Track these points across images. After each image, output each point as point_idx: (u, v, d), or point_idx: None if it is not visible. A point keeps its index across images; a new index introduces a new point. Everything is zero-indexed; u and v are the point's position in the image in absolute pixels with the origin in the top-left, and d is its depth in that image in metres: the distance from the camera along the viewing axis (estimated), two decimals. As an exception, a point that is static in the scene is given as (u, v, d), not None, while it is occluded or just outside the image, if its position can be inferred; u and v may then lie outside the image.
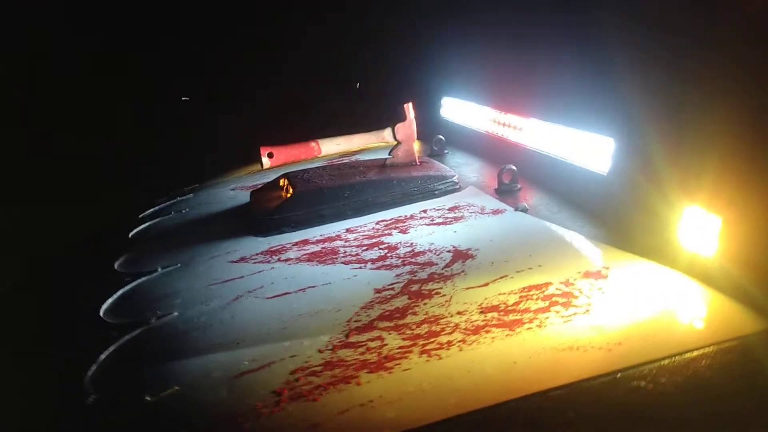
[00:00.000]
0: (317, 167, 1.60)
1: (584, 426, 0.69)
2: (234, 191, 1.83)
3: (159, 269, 1.23)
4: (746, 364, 0.79)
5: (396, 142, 1.53)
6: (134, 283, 1.20)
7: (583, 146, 1.26)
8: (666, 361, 0.76)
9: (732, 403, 0.74)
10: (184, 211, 1.67)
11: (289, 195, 1.37)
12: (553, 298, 0.90)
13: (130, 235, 1.56)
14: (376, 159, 1.61)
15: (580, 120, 1.31)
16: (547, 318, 0.85)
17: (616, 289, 0.91)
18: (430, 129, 1.99)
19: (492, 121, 1.74)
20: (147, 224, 1.63)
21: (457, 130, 2.00)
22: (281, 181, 1.54)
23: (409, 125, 1.51)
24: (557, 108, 1.43)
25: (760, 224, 0.87)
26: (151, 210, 1.78)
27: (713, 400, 0.73)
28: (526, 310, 0.88)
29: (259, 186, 1.67)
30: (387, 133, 1.52)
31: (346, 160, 1.83)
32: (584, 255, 1.04)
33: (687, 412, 0.72)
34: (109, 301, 1.15)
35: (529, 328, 0.83)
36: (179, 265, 1.24)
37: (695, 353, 0.77)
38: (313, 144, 1.44)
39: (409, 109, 1.54)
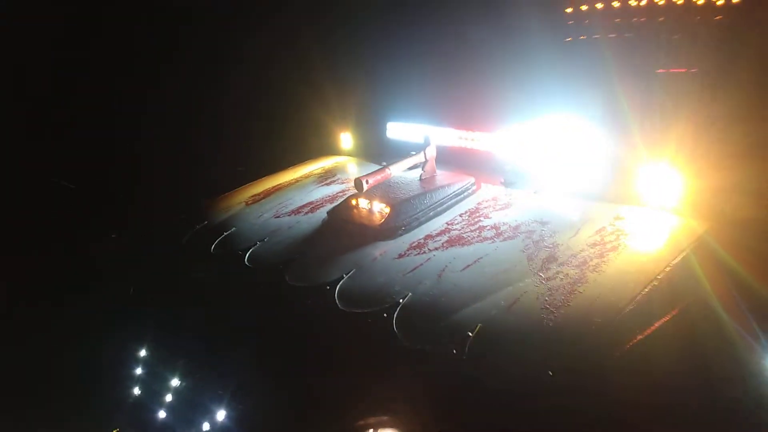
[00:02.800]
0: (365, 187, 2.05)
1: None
2: (278, 218, 2.14)
3: (344, 276, 1.62)
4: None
5: (424, 161, 2.12)
6: (338, 288, 1.55)
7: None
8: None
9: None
10: (265, 240, 1.96)
11: (389, 208, 1.87)
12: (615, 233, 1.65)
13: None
14: (404, 176, 2.14)
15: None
16: (620, 242, 1.59)
17: (636, 224, 1.69)
18: (378, 148, 2.59)
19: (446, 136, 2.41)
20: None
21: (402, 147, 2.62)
22: (352, 200, 2.00)
23: (433, 148, 2.13)
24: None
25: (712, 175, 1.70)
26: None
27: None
28: (609, 242, 1.61)
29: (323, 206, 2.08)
30: (421, 155, 2.10)
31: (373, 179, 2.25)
32: (607, 208, 1.74)
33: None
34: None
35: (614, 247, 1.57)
36: (354, 270, 1.66)
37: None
38: (387, 169, 1.96)
39: (431, 137, 2.14)
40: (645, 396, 1.19)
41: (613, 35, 2.66)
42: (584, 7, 2.94)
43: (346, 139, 2.73)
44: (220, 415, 1.41)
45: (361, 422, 1.25)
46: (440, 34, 2.76)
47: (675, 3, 2.56)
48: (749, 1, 2.11)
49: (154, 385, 1.63)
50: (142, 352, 1.71)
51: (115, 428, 1.86)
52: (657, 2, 2.70)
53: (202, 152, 3.32)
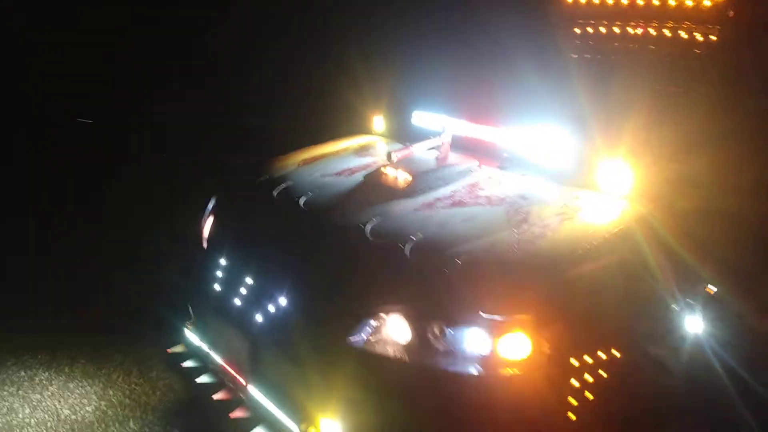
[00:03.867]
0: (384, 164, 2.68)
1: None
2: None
3: (374, 219, 2.22)
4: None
5: (440, 144, 2.73)
6: (369, 227, 2.11)
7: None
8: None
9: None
10: (315, 191, 2.57)
11: (411, 176, 2.48)
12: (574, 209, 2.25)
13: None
14: (424, 155, 2.74)
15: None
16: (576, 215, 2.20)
17: (591, 203, 2.30)
18: (405, 131, 3.21)
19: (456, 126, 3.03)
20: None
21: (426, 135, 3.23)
22: (383, 168, 2.60)
23: (448, 135, 2.74)
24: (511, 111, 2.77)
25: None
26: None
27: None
28: (568, 213, 2.21)
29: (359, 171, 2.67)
30: (439, 139, 2.72)
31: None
32: (571, 191, 2.38)
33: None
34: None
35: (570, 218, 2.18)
36: (381, 216, 2.27)
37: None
38: (410, 148, 2.58)
39: (447, 126, 2.75)
40: (569, 301, 1.83)
41: (601, 56, 3.28)
42: (591, 30, 3.56)
43: (378, 122, 3.34)
44: (282, 301, 2.06)
45: (379, 308, 1.88)
46: (461, 40, 3.38)
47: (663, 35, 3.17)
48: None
49: (228, 280, 2.28)
50: (223, 255, 2.36)
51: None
52: (649, 32, 3.31)
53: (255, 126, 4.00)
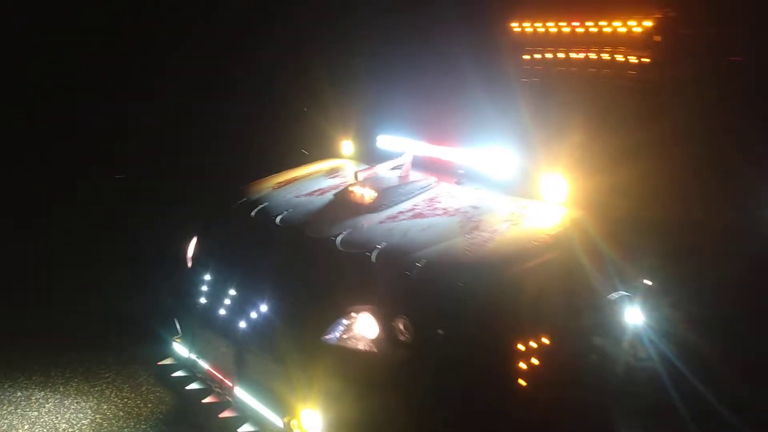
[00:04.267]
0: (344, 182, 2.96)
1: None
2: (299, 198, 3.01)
3: (343, 232, 2.47)
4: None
5: (401, 165, 3.02)
6: (339, 239, 2.41)
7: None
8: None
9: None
10: (290, 210, 2.82)
11: (376, 193, 2.75)
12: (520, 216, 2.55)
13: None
14: (387, 174, 3.03)
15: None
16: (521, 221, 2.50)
17: (534, 211, 2.60)
18: (371, 154, 3.49)
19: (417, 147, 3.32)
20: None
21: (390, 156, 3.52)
22: (351, 187, 2.87)
23: (409, 156, 3.03)
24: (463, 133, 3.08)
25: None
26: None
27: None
28: (514, 220, 2.51)
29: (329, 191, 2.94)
30: (401, 159, 3.01)
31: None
32: (518, 201, 2.69)
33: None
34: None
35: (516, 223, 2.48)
36: (350, 229, 2.53)
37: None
38: (375, 168, 2.86)
39: (408, 148, 3.04)
40: (515, 296, 2.11)
41: (547, 80, 3.63)
42: (538, 56, 3.92)
43: (347, 146, 3.62)
44: (263, 308, 2.30)
45: (350, 309, 2.14)
46: (421, 69, 3.71)
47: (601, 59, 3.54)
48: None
49: (213, 293, 2.51)
50: (206, 273, 2.60)
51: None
52: (589, 57, 3.67)
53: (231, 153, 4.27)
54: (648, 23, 3.56)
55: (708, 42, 4.04)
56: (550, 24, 3.88)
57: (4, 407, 2.81)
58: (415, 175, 2.99)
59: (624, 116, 3.13)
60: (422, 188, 2.85)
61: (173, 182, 4.82)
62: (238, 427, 2.29)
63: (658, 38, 3.56)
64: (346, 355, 2.12)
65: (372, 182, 2.85)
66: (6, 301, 3.74)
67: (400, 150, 3.14)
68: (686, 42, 3.72)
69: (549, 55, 3.86)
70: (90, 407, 2.84)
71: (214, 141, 4.74)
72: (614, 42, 3.65)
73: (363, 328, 2.13)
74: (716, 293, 2.95)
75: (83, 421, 2.74)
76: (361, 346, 2.12)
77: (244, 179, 3.28)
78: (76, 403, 2.87)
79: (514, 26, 4.05)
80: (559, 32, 3.87)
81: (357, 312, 2.15)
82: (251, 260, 2.53)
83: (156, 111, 5.19)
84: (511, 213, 2.54)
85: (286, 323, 2.25)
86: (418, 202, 2.72)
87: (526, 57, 3.94)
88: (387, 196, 2.75)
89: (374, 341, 2.11)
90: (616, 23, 3.66)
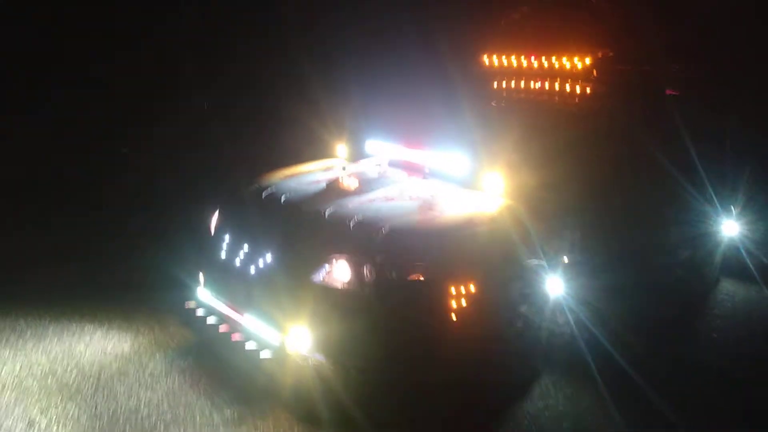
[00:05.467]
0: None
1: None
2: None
3: (331, 207, 3.33)
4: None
5: (380, 163, 3.87)
6: (328, 212, 3.28)
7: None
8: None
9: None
10: (291, 193, 3.67)
11: (359, 183, 3.60)
12: (466, 202, 3.38)
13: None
14: (369, 170, 3.90)
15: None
16: (467, 205, 3.33)
17: (478, 200, 3.43)
18: (360, 155, 4.35)
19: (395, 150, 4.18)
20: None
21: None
22: (341, 178, 3.72)
23: (387, 156, 3.87)
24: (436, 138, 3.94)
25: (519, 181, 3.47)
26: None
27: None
28: (461, 205, 3.35)
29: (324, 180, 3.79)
30: (381, 159, 3.86)
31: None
32: (467, 192, 3.52)
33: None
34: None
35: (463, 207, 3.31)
36: (336, 207, 3.37)
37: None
38: (361, 165, 3.71)
39: (387, 150, 3.91)
40: (452, 252, 2.93)
41: (508, 103, 4.50)
42: (504, 84, 4.82)
43: (341, 149, 4.47)
44: (267, 258, 3.13)
45: (331, 257, 2.96)
46: (405, 88, 4.60)
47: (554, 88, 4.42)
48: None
49: (230, 251, 3.35)
50: (225, 237, 3.43)
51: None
52: (545, 86, 4.55)
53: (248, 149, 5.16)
54: (588, 60, 4.47)
55: (643, 77, 4.98)
56: (513, 58, 4.80)
57: (65, 335, 3.63)
58: (391, 171, 3.84)
59: (559, 133, 4.02)
60: (395, 181, 3.70)
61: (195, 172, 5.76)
62: (245, 345, 3.10)
63: (595, 73, 4.46)
64: (327, 289, 2.95)
65: (356, 175, 3.70)
66: (63, 263, 4.60)
67: (382, 152, 4.00)
68: (621, 77, 4.64)
69: (513, 84, 4.77)
70: (129, 337, 3.65)
71: (234, 141, 5.69)
72: (562, 75, 4.56)
73: (340, 271, 2.96)
74: (621, 266, 3.79)
75: (124, 346, 3.54)
76: (338, 284, 2.94)
77: (256, 173, 4.12)
78: (119, 334, 3.68)
79: (485, 59, 4.98)
80: (520, 65, 4.79)
81: (336, 260, 2.97)
82: (260, 227, 3.37)
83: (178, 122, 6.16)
84: (459, 200, 3.38)
85: (284, 268, 3.08)
86: (390, 190, 3.56)
87: (494, 84, 4.87)
88: (366, 184, 3.60)
89: (347, 281, 2.94)
90: (564, 59, 4.56)
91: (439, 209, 3.26)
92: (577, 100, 4.38)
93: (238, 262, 3.31)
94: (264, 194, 3.66)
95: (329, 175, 3.87)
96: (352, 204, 3.37)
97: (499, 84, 4.77)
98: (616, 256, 3.94)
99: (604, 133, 4.14)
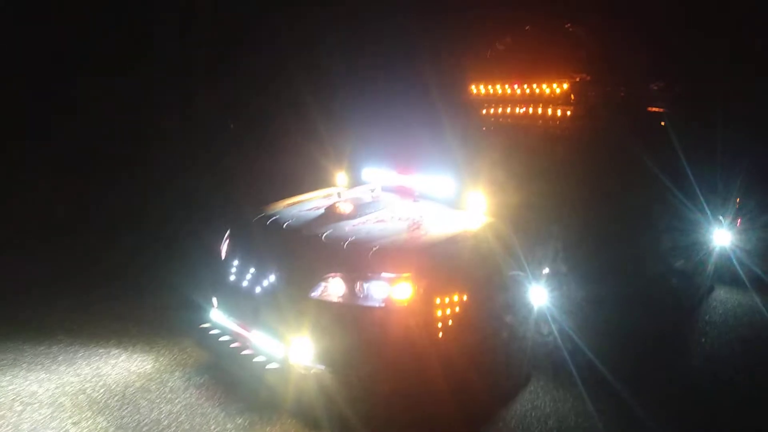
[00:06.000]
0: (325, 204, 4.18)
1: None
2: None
3: (328, 230, 3.67)
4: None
5: (374, 188, 4.22)
6: (325, 234, 3.63)
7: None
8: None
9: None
10: (293, 220, 4.03)
11: (353, 207, 3.94)
12: (451, 220, 3.70)
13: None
14: (364, 195, 4.25)
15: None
16: (453, 223, 3.65)
17: (463, 217, 3.75)
18: (358, 184, 4.72)
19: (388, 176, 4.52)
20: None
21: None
22: (337, 204, 4.07)
23: (380, 183, 4.21)
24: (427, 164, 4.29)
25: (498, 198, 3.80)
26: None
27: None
28: (447, 222, 3.67)
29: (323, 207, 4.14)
30: (375, 185, 4.20)
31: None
32: (453, 211, 3.84)
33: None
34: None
35: (449, 224, 3.64)
36: (333, 229, 3.71)
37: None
38: (356, 191, 4.06)
39: (380, 177, 4.26)
40: (436, 267, 3.24)
41: (496, 127, 4.84)
42: (492, 111, 5.16)
43: (341, 177, 4.83)
44: (271, 278, 3.46)
45: (326, 276, 3.29)
46: (397, 119, 4.97)
47: (536, 112, 4.74)
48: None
49: (238, 274, 3.69)
50: (234, 261, 3.78)
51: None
52: (528, 110, 4.88)
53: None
54: (565, 85, 4.81)
55: (621, 97, 5.31)
56: (497, 86, 5.16)
57: (93, 358, 3.98)
58: (383, 196, 4.18)
59: (540, 153, 4.34)
60: (387, 204, 4.04)
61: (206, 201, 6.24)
62: (255, 357, 3.42)
63: (572, 97, 4.80)
64: (324, 304, 3.27)
65: (351, 200, 4.04)
66: (82, 286, 5.01)
67: (376, 178, 4.35)
68: (598, 99, 4.97)
69: (499, 110, 5.12)
70: (151, 359, 3.98)
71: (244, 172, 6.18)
72: (542, 100, 4.91)
73: (335, 288, 3.28)
74: (598, 279, 4.06)
75: (146, 366, 3.88)
76: (334, 299, 3.26)
77: (262, 201, 4.49)
78: (142, 357, 4.02)
79: (473, 88, 5.35)
80: (504, 92, 5.14)
81: (332, 278, 3.30)
82: (265, 250, 3.71)
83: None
84: (444, 218, 3.70)
85: (286, 287, 3.42)
86: (381, 213, 3.89)
87: (482, 111, 5.23)
88: (361, 209, 3.94)
89: (342, 297, 3.26)
90: (544, 85, 4.91)
91: (425, 228, 3.58)
92: (556, 123, 4.71)
93: (245, 283, 3.65)
94: (268, 221, 4.02)
95: (327, 202, 4.21)
96: (347, 227, 3.70)
97: (487, 110, 5.13)
98: (601, 266, 4.21)
99: (583, 150, 4.45)
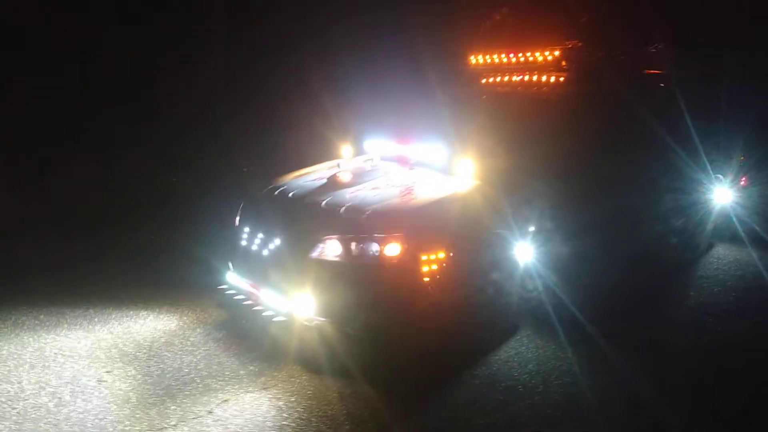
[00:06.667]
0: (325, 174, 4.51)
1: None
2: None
3: (330, 197, 4.00)
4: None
5: (372, 158, 4.54)
6: (326, 201, 3.97)
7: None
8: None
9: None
10: (299, 189, 4.38)
11: (352, 176, 4.26)
12: (444, 183, 4.00)
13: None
14: (364, 164, 4.57)
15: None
16: (444, 185, 3.95)
17: (455, 181, 4.04)
18: (361, 155, 5.03)
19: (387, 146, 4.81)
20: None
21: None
22: (335, 174, 4.39)
23: (379, 152, 4.52)
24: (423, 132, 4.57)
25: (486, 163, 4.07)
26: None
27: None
28: (438, 185, 3.97)
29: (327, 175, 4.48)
30: (374, 154, 4.51)
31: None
32: (442, 176, 4.14)
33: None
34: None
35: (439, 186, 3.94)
36: (333, 196, 4.04)
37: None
38: (357, 160, 4.38)
39: (379, 146, 4.57)
40: (424, 226, 3.55)
41: (495, 96, 5.07)
42: (491, 79, 5.38)
43: (346, 149, 5.14)
44: (277, 242, 3.83)
45: (325, 238, 3.63)
46: (399, 91, 5.25)
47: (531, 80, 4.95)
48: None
49: (250, 239, 4.07)
50: (247, 228, 4.15)
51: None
52: (524, 78, 5.10)
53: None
54: (557, 52, 5.01)
55: (615, 62, 5.47)
56: (494, 56, 5.38)
57: (124, 319, 4.44)
58: (382, 165, 4.49)
59: (530, 119, 4.58)
60: (384, 171, 4.35)
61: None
62: (264, 311, 3.81)
63: (564, 63, 4.99)
64: (324, 263, 3.62)
65: (351, 170, 4.37)
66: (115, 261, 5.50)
67: (376, 148, 4.66)
68: (590, 64, 5.15)
69: (498, 79, 5.34)
70: (175, 318, 4.42)
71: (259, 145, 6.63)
72: (536, 67, 5.12)
73: (332, 249, 3.63)
74: (584, 236, 4.30)
75: (171, 325, 4.32)
76: (331, 257, 3.61)
77: (274, 175, 4.85)
78: (167, 316, 4.46)
79: (472, 58, 5.57)
80: (501, 61, 5.37)
81: (329, 240, 3.64)
82: (273, 217, 4.08)
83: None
84: (437, 183, 4.00)
85: (289, 249, 3.78)
86: (378, 181, 4.21)
87: (481, 80, 5.45)
88: (359, 177, 4.27)
89: (338, 256, 3.61)
90: (537, 53, 5.12)
91: (416, 193, 3.89)
92: (547, 89, 4.92)
93: (255, 247, 4.04)
94: (276, 192, 4.38)
95: (330, 173, 4.55)
96: (346, 194, 4.03)
97: (486, 80, 5.36)
98: (588, 224, 4.44)
99: (574, 114, 4.67)
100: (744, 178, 6.25)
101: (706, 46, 6.11)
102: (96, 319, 4.45)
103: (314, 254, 3.66)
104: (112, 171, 7.42)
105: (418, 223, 3.64)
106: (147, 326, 4.32)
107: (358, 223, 3.65)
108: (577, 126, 4.60)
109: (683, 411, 3.16)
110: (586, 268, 4.30)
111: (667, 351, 3.86)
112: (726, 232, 5.92)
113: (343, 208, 3.79)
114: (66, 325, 4.34)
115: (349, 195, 3.99)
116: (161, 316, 4.48)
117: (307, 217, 3.91)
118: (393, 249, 3.53)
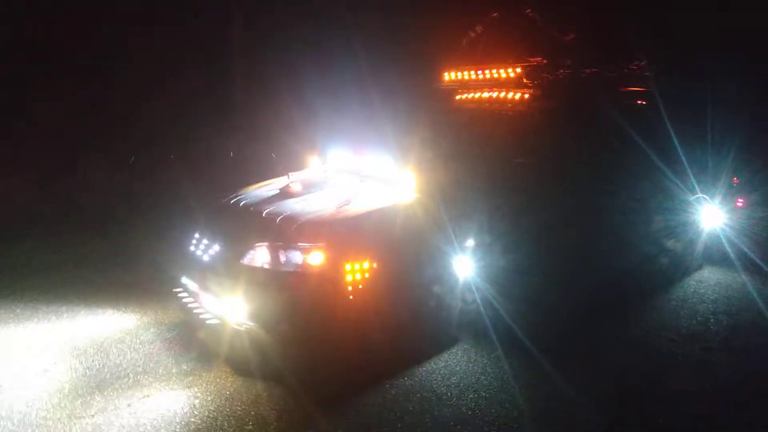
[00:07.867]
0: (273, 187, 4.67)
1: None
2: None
3: (269, 208, 4.18)
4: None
5: (325, 169, 4.67)
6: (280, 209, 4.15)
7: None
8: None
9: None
10: (255, 201, 4.59)
11: (301, 186, 4.42)
12: (391, 195, 4.10)
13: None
14: (314, 175, 4.72)
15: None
16: (390, 196, 4.04)
17: (399, 192, 4.13)
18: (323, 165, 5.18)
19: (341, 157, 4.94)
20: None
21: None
22: (286, 185, 4.56)
23: (333, 163, 4.66)
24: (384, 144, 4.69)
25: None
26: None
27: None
28: (386, 196, 4.07)
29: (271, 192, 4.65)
30: (326, 167, 4.66)
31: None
32: (391, 190, 4.23)
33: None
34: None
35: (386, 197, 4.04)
36: (274, 207, 4.21)
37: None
38: (300, 173, 4.53)
39: (333, 159, 4.70)
40: (350, 237, 3.66)
41: (462, 111, 5.12)
42: (462, 96, 5.44)
43: (313, 160, 5.30)
44: (218, 248, 4.01)
45: (255, 245, 3.78)
46: (366, 105, 5.39)
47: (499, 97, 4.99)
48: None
49: (201, 247, 4.26)
50: (201, 234, 4.35)
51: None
52: (492, 95, 5.14)
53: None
54: (519, 69, 5.05)
55: (583, 79, 5.46)
56: (465, 73, 5.46)
57: (90, 316, 4.71)
58: (334, 176, 4.63)
59: (480, 135, 4.62)
60: (332, 182, 4.48)
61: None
62: (204, 315, 3.99)
63: (525, 80, 5.02)
64: (251, 270, 3.77)
65: (301, 180, 4.52)
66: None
67: (329, 159, 4.81)
68: (555, 81, 5.16)
69: (471, 96, 5.41)
70: (136, 317, 4.65)
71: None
72: (498, 83, 5.16)
73: (261, 255, 3.77)
74: (516, 249, 4.28)
75: (129, 324, 4.55)
76: (260, 264, 3.76)
77: (239, 184, 5.05)
78: (130, 315, 4.70)
79: (445, 75, 5.66)
80: (470, 78, 5.43)
81: (259, 247, 3.79)
82: (221, 226, 4.26)
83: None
84: (380, 193, 4.10)
85: (224, 255, 3.95)
86: (324, 192, 4.34)
87: (457, 97, 5.52)
88: (308, 188, 4.40)
89: (266, 263, 3.75)
90: (501, 70, 5.17)
91: (353, 204, 3.99)
92: (509, 105, 4.94)
93: (200, 253, 4.22)
94: (232, 201, 4.57)
95: (283, 184, 4.71)
96: (288, 204, 4.18)
97: (460, 96, 5.42)
98: (527, 238, 4.40)
99: (531, 130, 4.68)
100: (741, 200, 6.07)
101: (691, 65, 5.99)
102: (65, 315, 4.74)
103: (245, 260, 3.81)
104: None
105: (343, 233, 3.74)
106: (107, 324, 4.57)
107: (288, 232, 3.79)
108: (534, 142, 4.61)
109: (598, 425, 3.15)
110: (525, 283, 4.28)
111: (603, 368, 3.81)
112: (716, 255, 5.76)
113: (279, 218, 3.93)
114: (36, 319, 4.65)
115: (291, 205, 4.13)
116: (126, 315, 4.73)
117: (246, 225, 4.08)
118: (316, 258, 3.64)
